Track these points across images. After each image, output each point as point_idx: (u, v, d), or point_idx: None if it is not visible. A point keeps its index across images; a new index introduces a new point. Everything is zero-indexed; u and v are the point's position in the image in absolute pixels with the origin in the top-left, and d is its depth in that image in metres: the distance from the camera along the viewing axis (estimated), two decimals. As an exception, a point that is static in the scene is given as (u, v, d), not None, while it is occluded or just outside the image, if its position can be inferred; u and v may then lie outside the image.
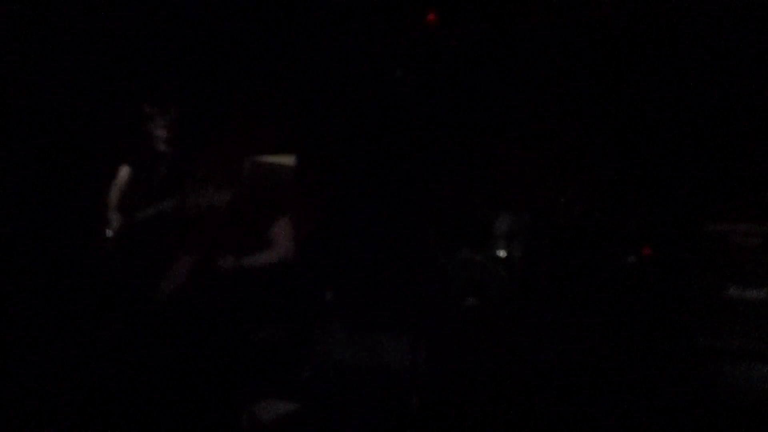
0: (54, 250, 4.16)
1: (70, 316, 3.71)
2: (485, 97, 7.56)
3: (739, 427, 2.66)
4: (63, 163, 4.43)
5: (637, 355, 2.42)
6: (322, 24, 6.57)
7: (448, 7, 6.52)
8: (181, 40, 5.58)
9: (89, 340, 2.65)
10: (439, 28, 6.68)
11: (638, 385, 2.31)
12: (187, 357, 2.54)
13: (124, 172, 3.72)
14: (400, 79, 2.92)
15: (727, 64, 5.50)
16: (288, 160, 6.75)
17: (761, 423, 2.87)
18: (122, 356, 2.54)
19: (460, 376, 2.37)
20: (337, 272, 6.80)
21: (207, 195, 3.31)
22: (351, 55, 6.89)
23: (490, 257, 6.54)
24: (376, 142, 7.57)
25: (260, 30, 6.38)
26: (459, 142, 8.04)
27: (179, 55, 5.52)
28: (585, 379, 2.36)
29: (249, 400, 2.45)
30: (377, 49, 6.66)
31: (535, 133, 7.61)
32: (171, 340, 2.60)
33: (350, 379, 3.38)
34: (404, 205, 3.10)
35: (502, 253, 6.53)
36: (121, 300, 3.48)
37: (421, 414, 2.49)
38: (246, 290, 3.15)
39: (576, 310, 6.14)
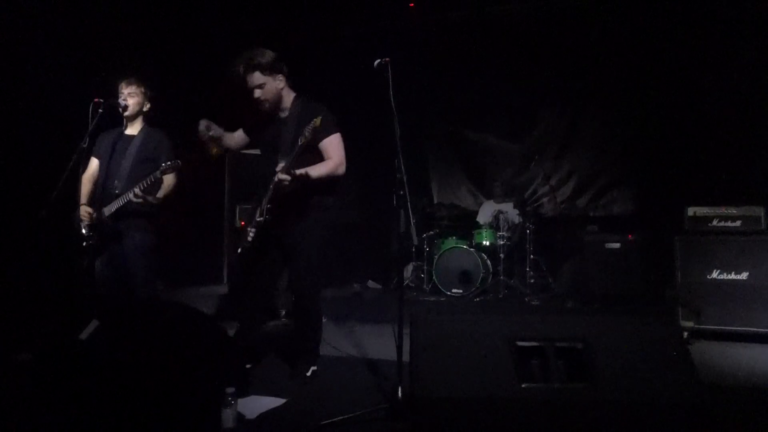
0: (28, 247, 4.06)
1: (47, 312, 3.64)
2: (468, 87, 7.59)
3: (722, 407, 2.67)
4: (33, 158, 4.33)
5: (622, 336, 2.40)
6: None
7: None
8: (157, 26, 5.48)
9: (66, 337, 2.58)
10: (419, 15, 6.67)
11: (623, 367, 2.30)
12: (168, 353, 2.49)
13: (94, 164, 3.63)
14: (381, 69, 2.86)
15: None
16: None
17: (744, 404, 2.90)
18: (101, 353, 2.48)
19: (445, 367, 2.34)
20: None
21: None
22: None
23: (473, 246, 6.57)
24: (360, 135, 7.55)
25: (242, 19, 6.29)
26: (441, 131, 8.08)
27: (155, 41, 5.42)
28: (570, 365, 2.35)
29: (234, 395, 2.40)
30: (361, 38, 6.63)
31: (518, 125, 7.68)
32: (150, 336, 2.54)
33: (339, 372, 3.36)
34: (385, 196, 3.07)
35: (485, 242, 6.57)
36: (97, 295, 3.41)
37: (407, 406, 2.47)
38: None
39: (560, 292, 6.21)
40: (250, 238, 3.12)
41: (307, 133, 2.94)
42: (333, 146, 3.13)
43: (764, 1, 5.25)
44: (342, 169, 3.14)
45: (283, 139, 3.15)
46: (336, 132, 3.16)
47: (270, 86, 3.15)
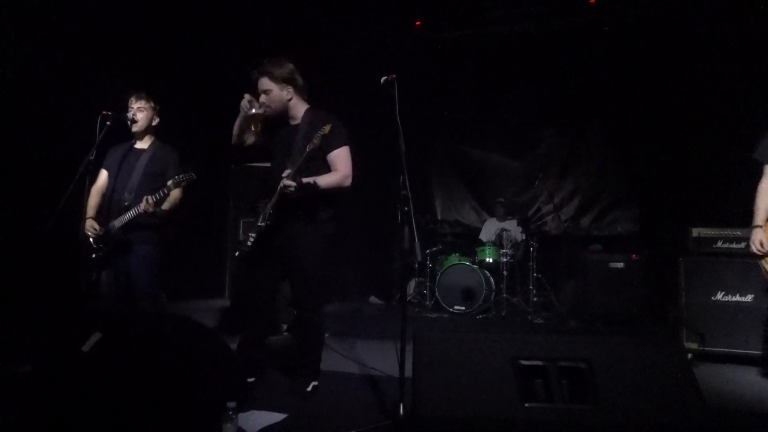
0: (33, 258, 4.07)
1: (50, 324, 3.64)
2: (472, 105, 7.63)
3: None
4: (40, 169, 4.36)
5: (626, 357, 2.39)
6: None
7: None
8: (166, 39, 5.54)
9: (68, 348, 2.57)
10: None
11: (627, 388, 2.28)
12: (170, 366, 2.48)
13: (103, 176, 3.66)
14: (387, 86, 2.89)
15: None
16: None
17: (749, 429, 2.87)
18: (103, 366, 2.47)
19: (448, 385, 2.33)
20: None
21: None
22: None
23: (476, 263, 6.56)
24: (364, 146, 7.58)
25: (250, 32, 6.36)
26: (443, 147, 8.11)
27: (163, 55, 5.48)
28: (574, 385, 2.33)
29: (234, 410, 2.39)
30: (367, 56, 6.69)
31: (522, 144, 7.71)
32: (152, 349, 2.53)
33: (340, 388, 3.34)
34: (389, 212, 3.07)
35: (488, 259, 6.56)
36: (100, 307, 3.42)
37: (409, 424, 2.45)
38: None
39: (562, 310, 6.18)
40: (249, 243, 3.10)
41: (315, 140, 2.96)
42: (341, 158, 3.15)
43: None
44: (348, 182, 3.16)
45: (292, 145, 3.17)
46: (345, 144, 3.18)
47: (275, 94, 3.18)
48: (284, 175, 2.99)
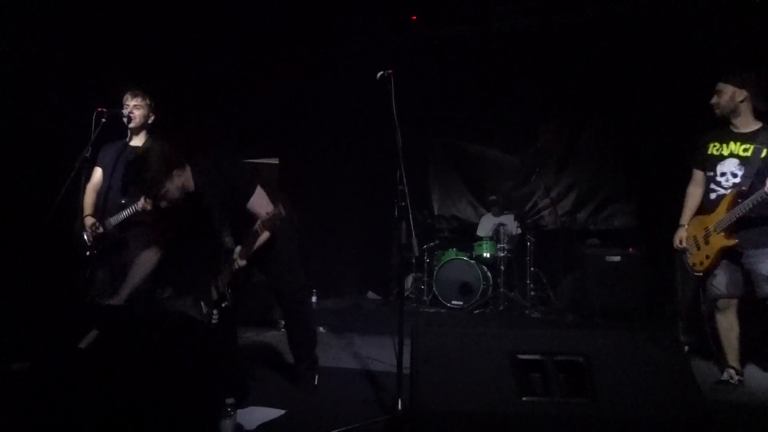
0: (28, 255, 4.06)
1: (47, 321, 3.63)
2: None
3: (724, 424, 2.67)
4: (35, 166, 4.34)
5: (623, 350, 2.40)
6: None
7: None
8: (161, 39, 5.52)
9: (65, 346, 2.57)
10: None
11: (624, 381, 2.29)
12: (167, 363, 2.48)
13: (98, 174, 3.65)
14: (383, 81, 2.88)
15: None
16: (268, 161, 6.72)
17: (746, 421, 2.89)
18: (100, 363, 2.47)
19: (446, 380, 2.33)
20: (322, 278, 6.80)
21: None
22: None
23: (474, 258, 6.57)
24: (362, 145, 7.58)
25: (243, 33, 6.34)
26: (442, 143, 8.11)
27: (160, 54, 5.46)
28: (571, 379, 2.34)
29: (233, 406, 2.39)
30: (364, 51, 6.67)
31: (519, 138, 7.71)
32: (149, 345, 2.53)
33: (338, 384, 3.34)
34: (386, 207, 3.06)
35: (486, 254, 6.57)
36: (97, 304, 3.41)
37: (407, 419, 2.46)
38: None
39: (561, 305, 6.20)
40: (215, 321, 3.00)
41: (258, 227, 2.83)
42: (258, 203, 2.96)
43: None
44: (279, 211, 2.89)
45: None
46: (254, 187, 2.99)
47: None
48: (236, 255, 2.91)
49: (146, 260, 3.16)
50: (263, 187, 3.04)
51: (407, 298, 6.83)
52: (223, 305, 3.01)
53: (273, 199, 3.03)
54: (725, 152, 3.35)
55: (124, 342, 2.56)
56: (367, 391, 3.25)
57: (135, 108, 3.59)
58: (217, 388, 2.52)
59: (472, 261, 6.49)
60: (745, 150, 3.26)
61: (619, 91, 6.81)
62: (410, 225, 2.72)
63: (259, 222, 2.85)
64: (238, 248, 2.95)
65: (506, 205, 7.25)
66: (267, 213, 2.81)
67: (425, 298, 6.80)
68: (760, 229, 3.18)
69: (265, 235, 2.88)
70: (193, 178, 2.94)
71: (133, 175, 3.43)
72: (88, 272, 3.44)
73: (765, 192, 3.01)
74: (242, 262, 2.91)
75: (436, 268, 6.58)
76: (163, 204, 2.91)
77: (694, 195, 3.56)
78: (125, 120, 3.57)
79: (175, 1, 5.57)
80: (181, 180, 2.89)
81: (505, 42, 6.82)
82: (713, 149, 3.40)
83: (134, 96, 3.61)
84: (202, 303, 3.10)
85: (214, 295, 3.06)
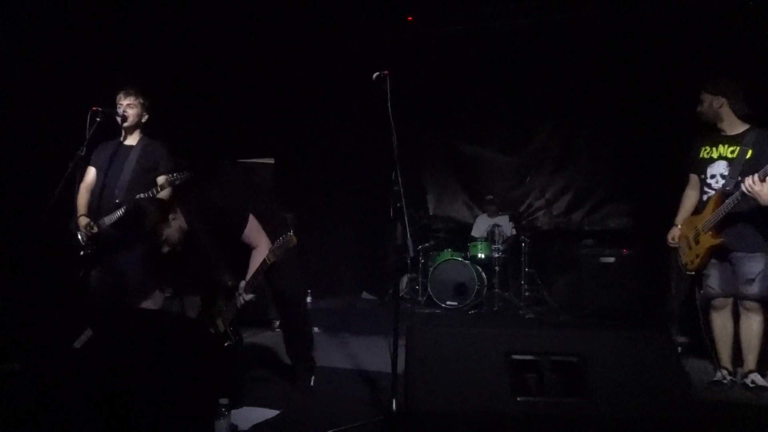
0: (23, 255, 4.04)
1: (42, 321, 3.61)
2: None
3: (716, 423, 2.68)
4: (29, 165, 4.32)
5: (617, 350, 2.41)
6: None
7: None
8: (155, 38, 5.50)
9: (62, 346, 2.56)
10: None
11: (618, 381, 2.30)
12: (162, 363, 2.47)
13: (91, 174, 3.62)
14: (379, 81, 2.88)
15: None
16: (263, 161, 6.70)
17: (738, 420, 2.91)
18: (95, 363, 2.46)
19: (441, 380, 2.34)
20: (317, 278, 6.79)
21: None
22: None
23: (469, 258, 6.58)
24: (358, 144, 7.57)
25: (239, 34, 6.33)
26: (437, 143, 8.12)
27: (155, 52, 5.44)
28: (565, 379, 2.35)
29: (227, 406, 2.39)
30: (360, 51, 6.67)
31: (514, 139, 7.72)
32: (144, 345, 2.52)
33: (333, 384, 3.34)
34: (382, 207, 3.06)
35: (481, 255, 6.58)
36: (92, 304, 3.40)
37: (402, 419, 2.46)
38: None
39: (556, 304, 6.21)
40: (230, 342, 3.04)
41: (270, 257, 2.91)
42: (253, 233, 3.02)
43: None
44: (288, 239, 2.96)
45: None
46: (247, 216, 3.03)
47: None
48: (241, 291, 2.95)
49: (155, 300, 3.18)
50: (258, 216, 3.06)
51: (402, 299, 6.82)
52: (226, 345, 3.02)
53: (279, 223, 3.06)
54: (715, 155, 3.45)
55: (119, 342, 2.55)
56: (362, 392, 3.25)
57: (128, 107, 3.58)
58: (212, 389, 2.51)
59: (467, 261, 6.50)
60: (732, 152, 3.37)
61: (614, 93, 6.83)
62: (406, 225, 2.72)
63: (269, 252, 2.91)
64: (242, 283, 2.97)
65: (502, 206, 7.26)
66: (281, 239, 2.88)
67: (420, 298, 6.81)
68: (748, 230, 3.26)
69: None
70: (186, 220, 2.96)
71: (131, 227, 3.39)
72: (83, 272, 3.43)
73: (740, 193, 3.10)
74: (249, 296, 2.94)
75: (431, 269, 6.59)
76: (165, 249, 2.91)
77: (689, 197, 3.66)
78: (119, 119, 3.56)
79: (171, 1, 5.55)
80: (178, 223, 2.92)
81: (502, 42, 6.83)
82: (704, 153, 3.51)
83: (127, 95, 3.60)
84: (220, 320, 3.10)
85: (219, 335, 3.07)
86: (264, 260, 2.90)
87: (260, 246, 3.02)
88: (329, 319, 5.47)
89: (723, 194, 3.30)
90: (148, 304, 3.19)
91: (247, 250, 3.01)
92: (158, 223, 2.84)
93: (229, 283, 3.01)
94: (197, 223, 2.97)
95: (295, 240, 2.88)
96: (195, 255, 3.07)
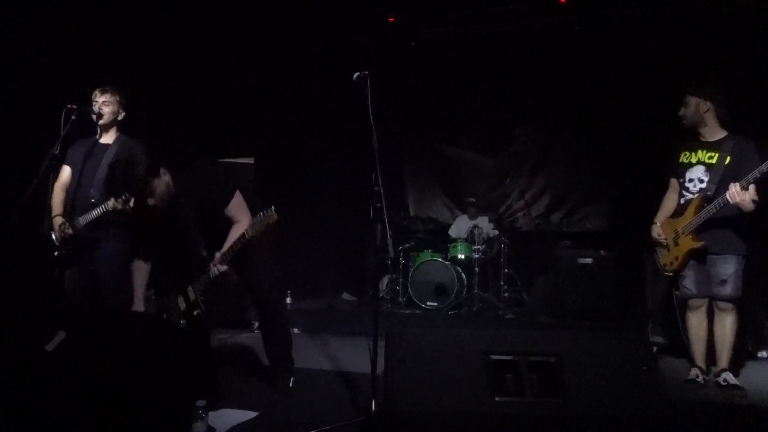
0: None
1: (13, 322, 3.53)
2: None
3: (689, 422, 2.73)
4: (4, 164, 4.23)
5: (594, 351, 2.44)
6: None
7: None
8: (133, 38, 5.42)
9: (35, 348, 2.51)
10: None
11: (595, 381, 2.33)
12: (138, 364, 2.44)
13: (66, 173, 3.55)
14: (360, 82, 2.88)
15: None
16: (243, 160, 6.65)
17: (711, 419, 2.96)
18: (68, 365, 2.42)
19: (420, 381, 2.34)
20: (297, 279, 6.75)
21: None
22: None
23: (449, 259, 6.60)
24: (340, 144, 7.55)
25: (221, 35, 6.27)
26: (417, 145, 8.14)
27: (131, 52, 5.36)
28: (543, 379, 2.37)
29: (204, 408, 2.36)
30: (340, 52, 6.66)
31: (495, 141, 7.78)
32: (119, 347, 2.49)
33: (312, 385, 3.33)
34: (361, 208, 3.06)
35: (460, 256, 6.61)
36: (65, 305, 3.34)
37: (381, 420, 2.46)
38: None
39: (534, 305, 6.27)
40: (183, 323, 3.01)
41: (250, 231, 2.88)
42: (236, 208, 3.01)
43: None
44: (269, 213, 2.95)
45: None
46: (234, 191, 3.03)
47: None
48: (216, 262, 2.92)
49: (140, 266, 3.13)
50: (242, 191, 3.03)
51: (382, 299, 6.82)
52: (195, 313, 2.99)
53: (256, 202, 3.04)
54: (693, 160, 3.51)
55: (93, 344, 2.51)
56: (342, 393, 3.24)
57: (104, 104, 3.52)
58: (189, 390, 2.49)
59: (447, 262, 6.53)
60: (710, 157, 3.43)
61: (594, 96, 6.92)
62: (386, 226, 2.72)
63: (248, 226, 2.88)
64: (217, 255, 2.93)
65: (483, 208, 7.31)
66: (262, 214, 2.85)
67: (400, 299, 6.81)
68: (723, 233, 3.33)
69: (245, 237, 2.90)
70: (173, 184, 2.92)
71: (119, 174, 3.33)
72: (57, 273, 3.36)
73: (726, 197, 3.15)
74: (223, 268, 2.91)
75: (412, 269, 6.60)
76: (152, 202, 2.88)
77: (669, 199, 3.71)
78: (94, 117, 3.49)
79: (150, -1, 5.48)
80: (167, 178, 2.89)
81: (482, 45, 6.88)
82: (684, 158, 3.57)
83: (103, 92, 3.53)
84: (180, 298, 3.07)
85: (182, 305, 3.04)
86: (242, 233, 2.88)
87: (241, 221, 3.00)
88: (309, 320, 5.44)
89: (704, 198, 3.35)
90: (138, 308, 3.13)
91: (229, 225, 2.99)
92: (151, 171, 2.85)
93: (204, 253, 2.98)
94: (183, 188, 2.97)
95: (275, 216, 2.85)
96: (175, 233, 3.03)
